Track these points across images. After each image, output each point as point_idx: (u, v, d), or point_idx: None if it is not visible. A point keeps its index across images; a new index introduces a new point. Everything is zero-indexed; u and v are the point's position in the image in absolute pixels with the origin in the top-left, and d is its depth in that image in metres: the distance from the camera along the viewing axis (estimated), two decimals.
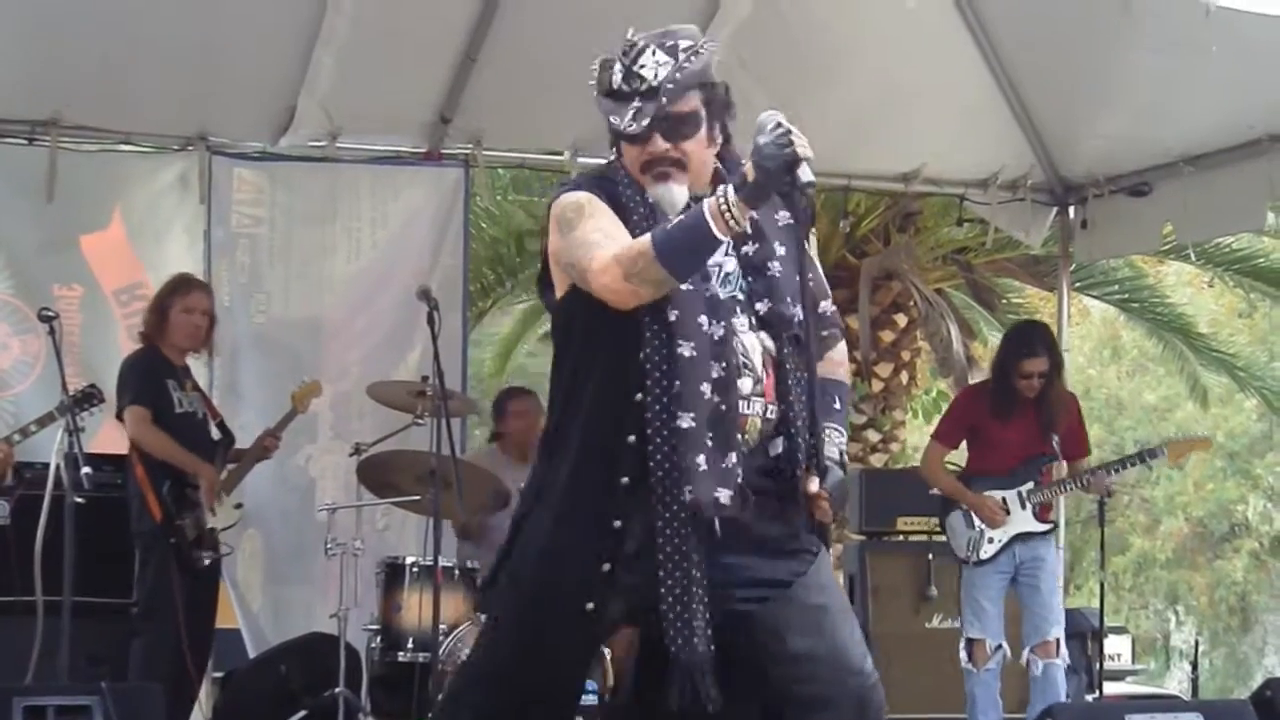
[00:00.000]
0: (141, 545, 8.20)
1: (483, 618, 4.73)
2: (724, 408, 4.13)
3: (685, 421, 4.07)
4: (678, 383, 4.08)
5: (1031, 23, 9.05)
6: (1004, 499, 8.23)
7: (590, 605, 4.09)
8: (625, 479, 4.08)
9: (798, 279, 4.27)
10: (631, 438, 4.08)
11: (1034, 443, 8.29)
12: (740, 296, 4.25)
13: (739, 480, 4.12)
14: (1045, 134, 10.30)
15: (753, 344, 4.23)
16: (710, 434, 4.09)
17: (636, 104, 4.21)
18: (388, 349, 9.89)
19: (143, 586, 8.18)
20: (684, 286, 4.11)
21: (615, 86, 4.25)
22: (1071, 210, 10.74)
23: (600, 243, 4.04)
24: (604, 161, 4.51)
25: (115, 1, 8.66)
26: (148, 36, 8.88)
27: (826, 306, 4.44)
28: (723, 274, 4.23)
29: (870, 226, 13.57)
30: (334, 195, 10.02)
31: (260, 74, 9.45)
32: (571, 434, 4.17)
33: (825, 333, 4.42)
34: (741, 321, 4.22)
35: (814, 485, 4.22)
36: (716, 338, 4.15)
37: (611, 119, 4.22)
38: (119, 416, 8.27)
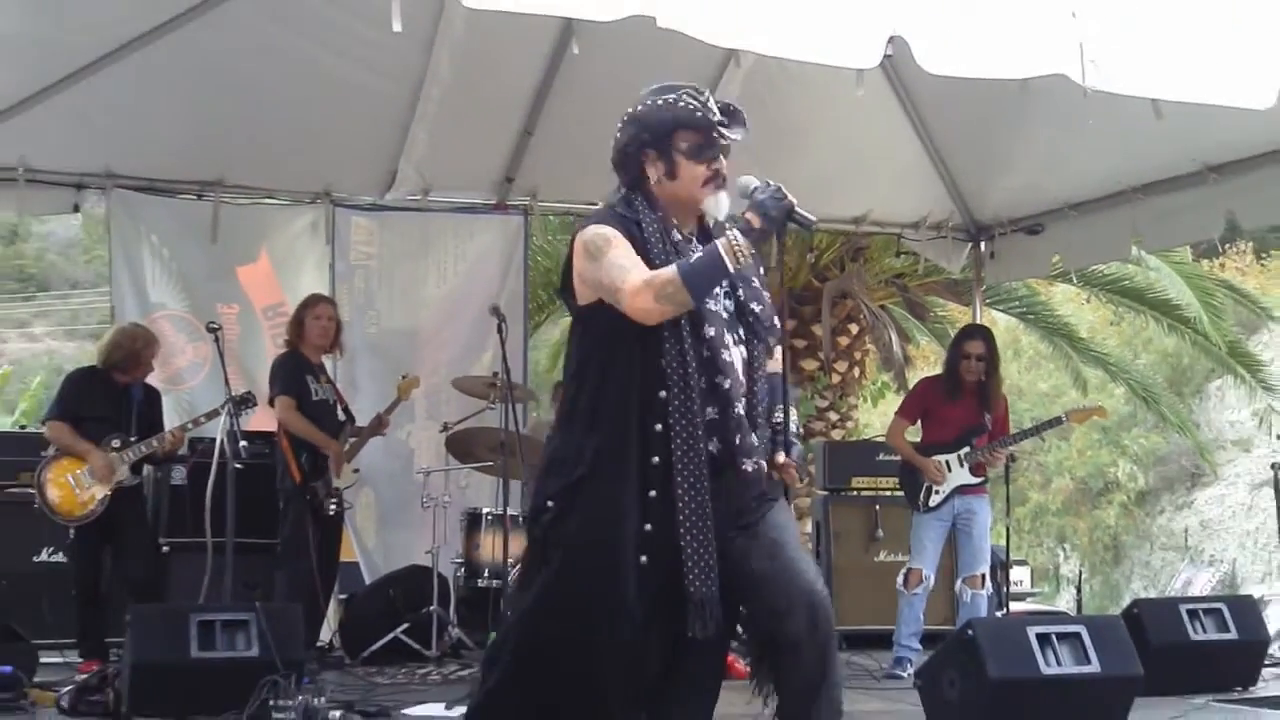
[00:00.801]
0: (283, 499, 8.21)
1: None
2: (734, 398, 4.13)
3: (712, 413, 4.08)
4: (701, 380, 4.06)
5: (952, 101, 9.04)
6: (946, 461, 8.23)
7: (644, 559, 4.01)
8: (656, 459, 4.03)
9: (766, 295, 4.29)
10: (659, 426, 4.03)
11: (971, 418, 8.29)
12: (726, 314, 4.20)
13: (761, 450, 4.16)
14: (962, 186, 10.30)
15: (738, 354, 4.20)
16: (731, 423, 4.10)
17: (743, 127, 4.21)
18: (467, 352, 9.89)
19: (283, 531, 8.19)
20: (710, 305, 4.12)
21: (729, 108, 4.21)
22: (983, 244, 10.71)
23: (629, 269, 3.99)
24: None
25: (261, 95, 8.68)
26: (286, 118, 8.91)
27: (774, 321, 4.37)
28: (721, 289, 4.19)
29: (830, 258, 13.53)
30: (426, 236, 10.04)
31: (370, 145, 9.49)
32: (609, 417, 4.07)
33: (774, 336, 4.37)
34: (730, 336, 4.19)
35: (781, 457, 4.22)
36: (726, 341, 4.15)
37: (721, 130, 4.15)
38: (271, 403, 8.28)
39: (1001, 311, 15.96)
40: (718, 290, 4.17)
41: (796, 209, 3.98)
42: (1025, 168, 9.61)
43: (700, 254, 4.00)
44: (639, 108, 4.25)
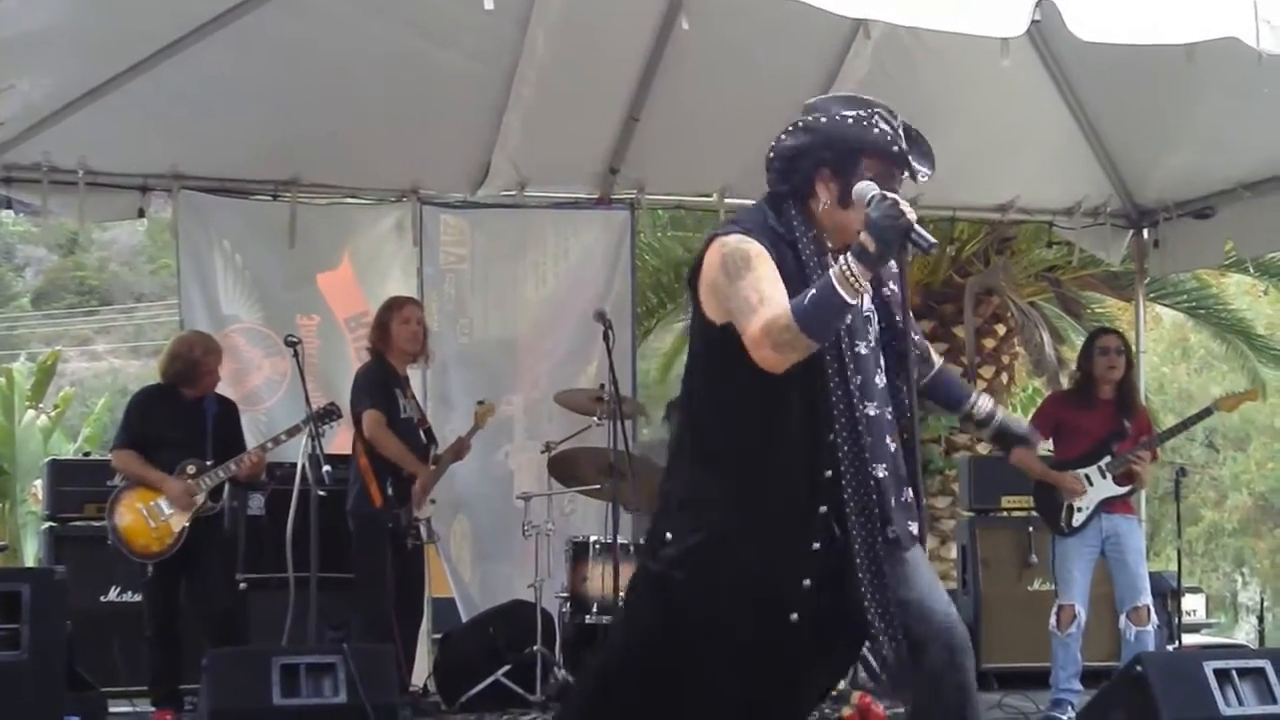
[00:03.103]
0: (357, 525, 8.18)
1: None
2: (894, 448, 4.13)
3: (880, 471, 4.07)
4: (868, 438, 4.05)
5: (1107, 73, 8.94)
6: (1085, 474, 8.14)
7: (795, 616, 4.02)
8: (824, 508, 4.02)
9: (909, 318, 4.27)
10: (828, 473, 4.02)
11: (1110, 426, 8.20)
12: (875, 342, 4.20)
13: (922, 509, 4.17)
14: (1121, 167, 10.18)
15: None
16: (894, 478, 4.11)
17: (930, 162, 4.18)
18: (570, 362, 9.90)
19: (358, 563, 8.19)
20: (863, 350, 4.11)
21: (913, 134, 4.17)
22: (1145, 232, 10.59)
23: (756, 309, 3.91)
24: (754, 203, 4.34)
25: (341, 83, 8.76)
26: (367, 109, 8.97)
27: (918, 337, 4.42)
28: (873, 329, 4.18)
29: (972, 250, 13.47)
30: (523, 235, 10.08)
31: (460, 136, 9.54)
32: (764, 461, 4.06)
33: (923, 357, 4.47)
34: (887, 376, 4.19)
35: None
36: (883, 388, 4.15)
37: (913, 167, 4.10)
38: (356, 418, 8.27)
39: (1167, 306, 15.82)
40: (870, 323, 4.17)
41: (915, 229, 3.86)
42: (1192, 144, 9.49)
43: (812, 290, 3.88)
44: (821, 120, 4.15)
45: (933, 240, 3.91)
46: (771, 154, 4.22)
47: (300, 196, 9.51)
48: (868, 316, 4.18)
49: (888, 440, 4.11)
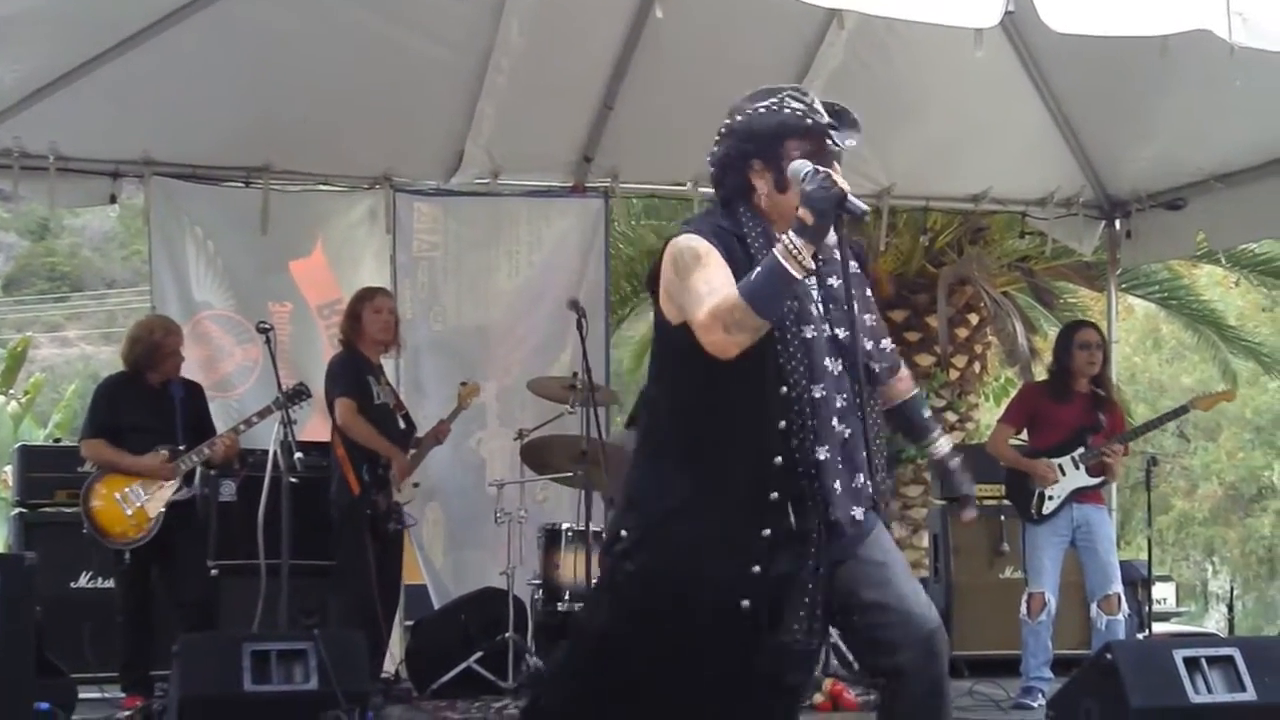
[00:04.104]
0: (338, 514, 8.21)
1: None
2: (849, 434, 4.14)
3: (822, 454, 4.09)
4: (813, 421, 4.08)
5: (1081, 64, 8.96)
6: (1059, 464, 8.18)
7: (746, 603, 4.06)
8: (775, 494, 4.06)
9: (866, 318, 4.27)
10: (779, 459, 4.06)
11: (1084, 418, 8.24)
12: (832, 335, 4.21)
13: (870, 495, 4.19)
14: (1094, 158, 10.21)
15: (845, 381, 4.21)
16: (840, 461, 4.12)
17: (856, 130, 4.20)
18: (543, 350, 9.91)
19: (339, 550, 8.21)
20: (809, 334, 4.12)
21: (836, 109, 4.20)
22: (1118, 223, 10.62)
23: (705, 298, 3.98)
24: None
25: (314, 70, 8.74)
26: (340, 96, 8.96)
27: (887, 344, 4.40)
28: (820, 315, 4.19)
29: (946, 240, 13.46)
30: (496, 223, 10.07)
31: (434, 124, 9.53)
32: (716, 450, 4.12)
33: (889, 364, 4.39)
34: (840, 362, 4.20)
35: (968, 516, 4.67)
36: (836, 374, 4.15)
37: (834, 136, 4.12)
38: (330, 406, 8.30)
39: (1139, 297, 15.86)
40: (818, 310, 4.19)
41: (848, 198, 3.91)
42: (1165, 136, 9.52)
43: (758, 268, 3.95)
44: (737, 119, 4.23)
45: (865, 208, 3.97)
46: (710, 169, 4.32)
47: (273, 183, 9.48)
48: (815, 302, 4.20)
49: (834, 424, 4.12)
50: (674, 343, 4.17)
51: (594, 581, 4.55)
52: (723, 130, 4.27)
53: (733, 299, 3.91)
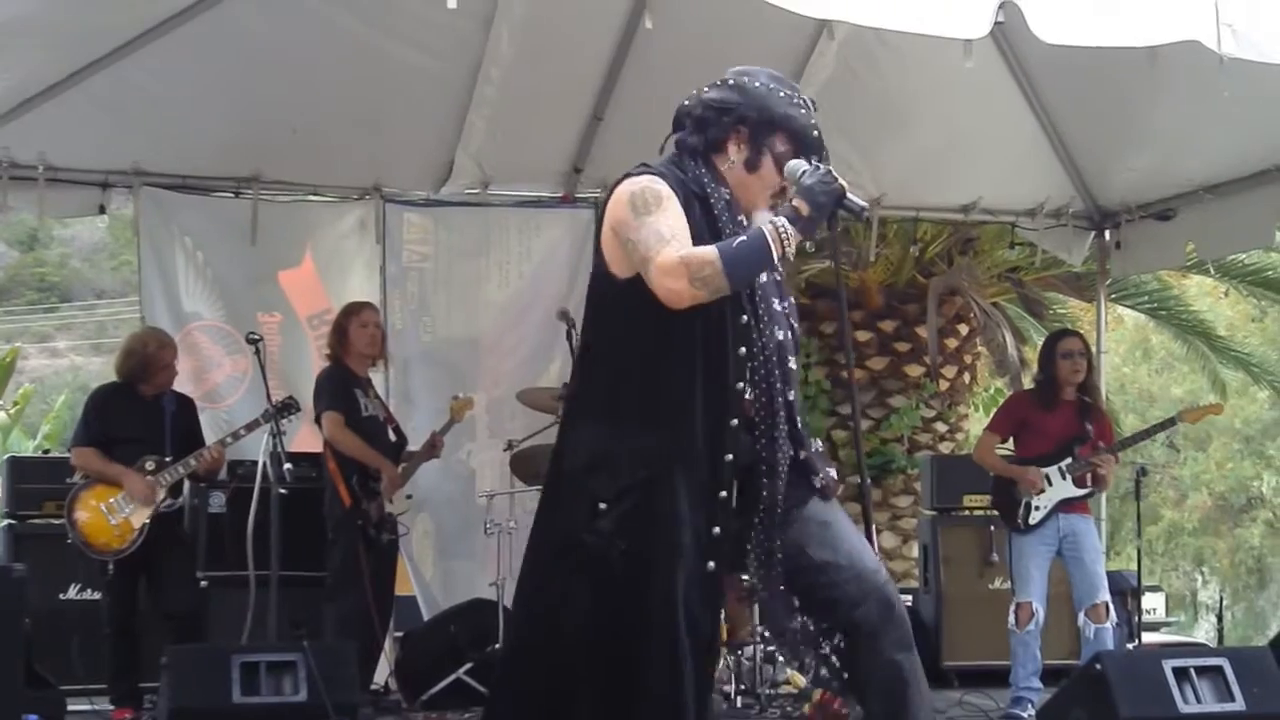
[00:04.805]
0: (332, 526, 8.23)
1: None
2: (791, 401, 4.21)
3: (790, 394, 4.18)
4: (777, 371, 4.14)
5: (1070, 75, 8.97)
6: (1046, 474, 8.18)
7: (712, 565, 4.07)
8: (730, 455, 4.08)
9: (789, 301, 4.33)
10: (734, 421, 4.08)
11: (1072, 428, 8.24)
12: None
13: (810, 464, 4.26)
14: (1083, 169, 10.22)
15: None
16: (797, 431, 4.19)
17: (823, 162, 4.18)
18: (533, 361, 9.90)
19: (332, 562, 8.21)
20: (777, 306, 4.18)
21: (818, 136, 4.22)
22: (1107, 233, 10.62)
23: (669, 239, 3.95)
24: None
25: (304, 80, 8.74)
26: (330, 107, 8.96)
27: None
28: (775, 290, 4.24)
29: (936, 251, 13.47)
30: (486, 234, 10.06)
31: (424, 135, 9.53)
32: (676, 411, 4.06)
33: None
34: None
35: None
36: (787, 343, 4.21)
37: (813, 162, 4.09)
38: (317, 420, 8.32)
39: (1129, 308, 15.87)
40: (770, 279, 4.22)
41: (848, 194, 3.98)
42: (1154, 147, 9.52)
43: (743, 238, 3.97)
44: (754, 82, 4.23)
45: (864, 204, 4.03)
46: (690, 103, 4.30)
47: (262, 194, 9.48)
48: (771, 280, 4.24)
49: (790, 363, 4.19)
50: (621, 299, 4.14)
51: (553, 561, 4.21)
52: (731, 81, 4.26)
53: (709, 255, 3.91)
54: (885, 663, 4.15)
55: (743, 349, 4.10)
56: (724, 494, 4.08)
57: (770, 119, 4.17)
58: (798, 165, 4.07)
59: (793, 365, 4.23)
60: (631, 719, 4.04)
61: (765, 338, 4.13)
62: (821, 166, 4.01)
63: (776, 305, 4.22)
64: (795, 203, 3.96)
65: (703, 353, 4.07)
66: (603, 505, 4.07)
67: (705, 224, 4.08)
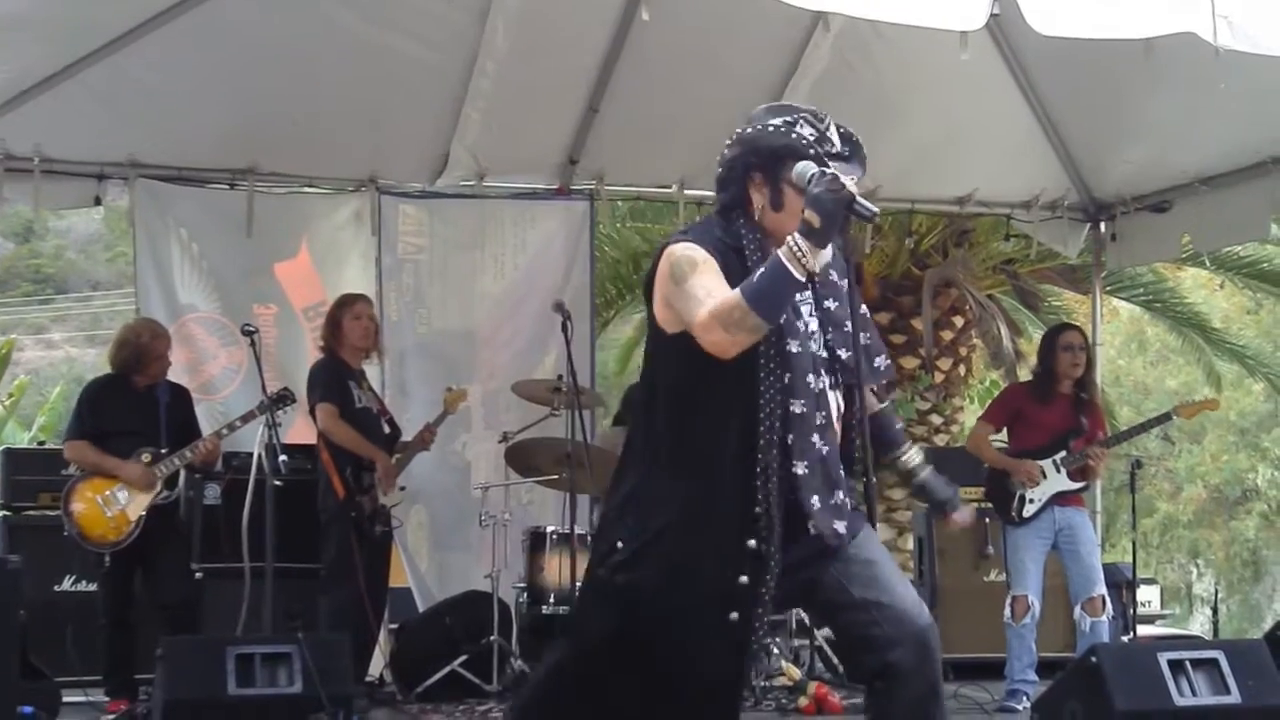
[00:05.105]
0: (326, 518, 8.23)
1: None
2: (826, 451, 4.17)
3: (800, 469, 4.12)
4: (791, 436, 4.12)
5: (1066, 67, 8.97)
6: (1041, 466, 8.18)
7: (734, 615, 4.10)
8: (759, 508, 4.09)
9: (862, 337, 4.28)
10: (769, 472, 4.09)
11: (1067, 421, 8.24)
12: (823, 354, 4.24)
13: (849, 510, 4.21)
14: (1079, 161, 10.22)
15: (833, 400, 4.25)
16: (819, 476, 4.15)
17: (861, 167, 4.22)
18: (529, 353, 9.91)
19: (327, 554, 8.22)
20: (794, 349, 4.14)
21: (850, 137, 4.23)
22: (1102, 225, 10.63)
23: (704, 301, 3.99)
24: (710, 196, 4.40)
25: (300, 72, 8.73)
26: (326, 99, 8.96)
27: (881, 361, 4.43)
28: (809, 332, 4.21)
29: (931, 243, 13.47)
30: (482, 226, 10.05)
31: (419, 127, 9.52)
32: (708, 462, 4.13)
33: (885, 380, 4.46)
34: (825, 380, 4.23)
35: (962, 519, 4.69)
36: (818, 391, 4.18)
37: (839, 168, 4.06)
38: (311, 412, 8.32)
39: (1124, 300, 15.86)
40: (807, 329, 4.21)
41: (857, 200, 3.93)
42: (1150, 139, 9.53)
43: (761, 270, 3.97)
44: (750, 129, 4.26)
45: (874, 209, 3.98)
46: (718, 171, 4.33)
47: (258, 185, 9.47)
48: (803, 319, 4.22)
49: (814, 440, 4.14)
50: (669, 352, 4.21)
51: (580, 591, 4.48)
52: (734, 136, 4.29)
53: (733, 298, 3.93)
54: (914, 708, 4.16)
55: (760, 401, 4.11)
56: (753, 543, 4.09)
57: (774, 155, 4.17)
58: (806, 168, 4.05)
59: (834, 408, 4.23)
60: None
61: (774, 393, 4.12)
62: (828, 172, 3.96)
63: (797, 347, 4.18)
64: (806, 215, 3.92)
65: (734, 406, 4.11)
66: (619, 544, 4.19)
67: (741, 274, 4.07)
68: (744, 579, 4.09)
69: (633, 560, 4.16)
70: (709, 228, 4.27)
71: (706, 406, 4.14)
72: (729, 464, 4.11)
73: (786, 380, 4.12)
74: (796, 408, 4.12)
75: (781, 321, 4.08)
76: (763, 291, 3.91)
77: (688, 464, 4.15)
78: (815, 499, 4.12)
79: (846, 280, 4.25)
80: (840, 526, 4.17)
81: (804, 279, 3.91)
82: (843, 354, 4.24)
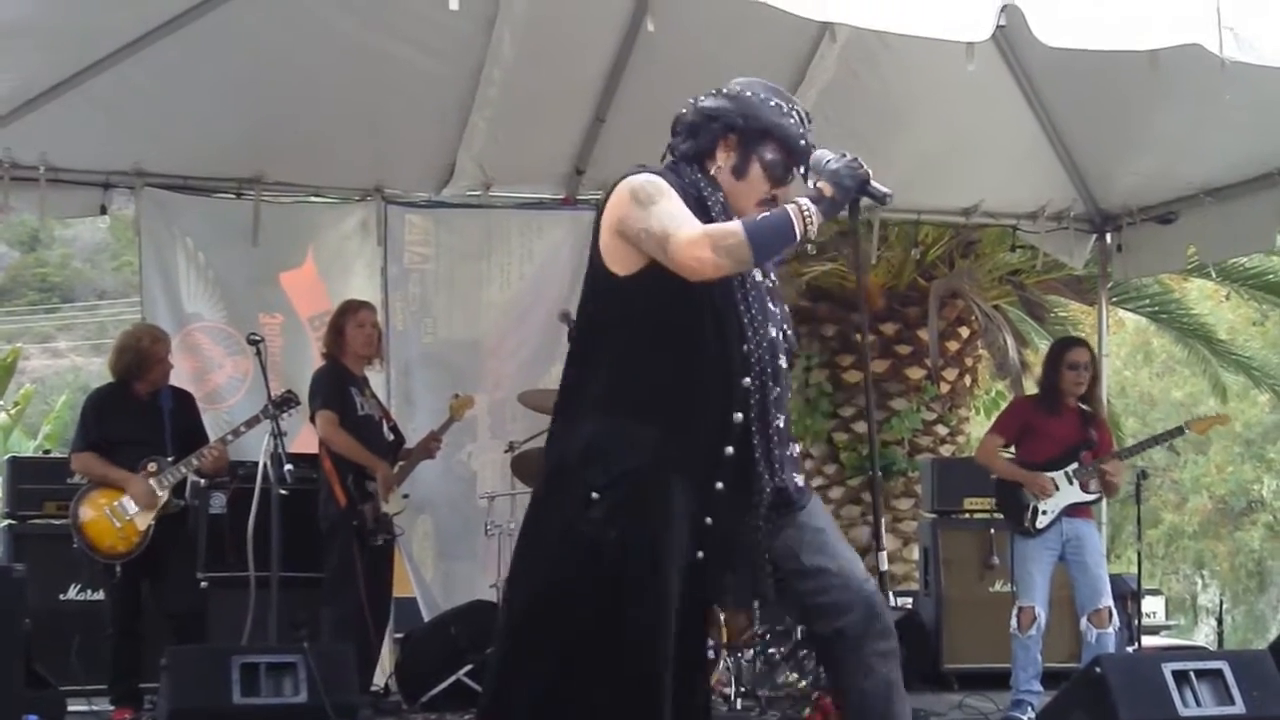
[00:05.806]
0: (327, 527, 8.21)
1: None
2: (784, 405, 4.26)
3: (780, 421, 4.20)
4: (776, 388, 4.18)
5: (1072, 78, 8.96)
6: (1053, 478, 8.18)
7: (700, 554, 4.12)
8: (730, 449, 4.11)
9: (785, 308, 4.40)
10: (738, 416, 4.11)
11: (1076, 434, 8.24)
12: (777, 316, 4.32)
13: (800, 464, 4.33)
14: (1085, 172, 10.22)
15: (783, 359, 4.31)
16: (786, 430, 4.25)
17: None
18: (534, 363, 9.89)
19: (329, 563, 8.20)
20: (772, 307, 4.23)
21: (806, 145, 4.26)
22: (1108, 236, 10.63)
23: (686, 219, 4.01)
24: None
25: (306, 81, 8.73)
26: (332, 108, 8.96)
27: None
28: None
29: (937, 253, 13.47)
30: (488, 236, 10.06)
31: (425, 136, 9.52)
32: (677, 403, 4.10)
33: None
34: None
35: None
36: (778, 342, 4.25)
37: (821, 162, 4.13)
38: (312, 419, 8.32)
39: (1130, 311, 15.86)
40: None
41: (872, 181, 4.05)
42: (1156, 150, 9.53)
43: (767, 214, 4.04)
44: (745, 92, 4.29)
45: (887, 190, 4.08)
46: (686, 111, 4.35)
47: (264, 195, 9.47)
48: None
49: (781, 361, 4.24)
50: (619, 295, 4.18)
51: (534, 541, 4.22)
52: (724, 90, 4.32)
53: (733, 226, 3.99)
54: (868, 671, 4.18)
55: (745, 345, 4.13)
56: (720, 485, 4.11)
57: (761, 127, 4.22)
58: (823, 155, 4.13)
59: (783, 363, 4.27)
60: (612, 697, 4.09)
61: (760, 334, 4.16)
62: (847, 154, 4.08)
63: (771, 306, 4.26)
64: (819, 184, 4.02)
65: (705, 347, 4.11)
66: (595, 495, 4.09)
67: (702, 220, 4.08)
68: (709, 519, 4.11)
69: (615, 512, 4.05)
70: (664, 172, 4.25)
71: (673, 350, 4.12)
72: (701, 405, 4.12)
73: (756, 326, 4.16)
74: (782, 360, 4.22)
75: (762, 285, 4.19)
76: (763, 233, 3.97)
77: (651, 404, 4.11)
78: (786, 450, 4.24)
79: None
80: (799, 479, 4.26)
81: (799, 240, 3.99)
82: (786, 328, 4.33)
